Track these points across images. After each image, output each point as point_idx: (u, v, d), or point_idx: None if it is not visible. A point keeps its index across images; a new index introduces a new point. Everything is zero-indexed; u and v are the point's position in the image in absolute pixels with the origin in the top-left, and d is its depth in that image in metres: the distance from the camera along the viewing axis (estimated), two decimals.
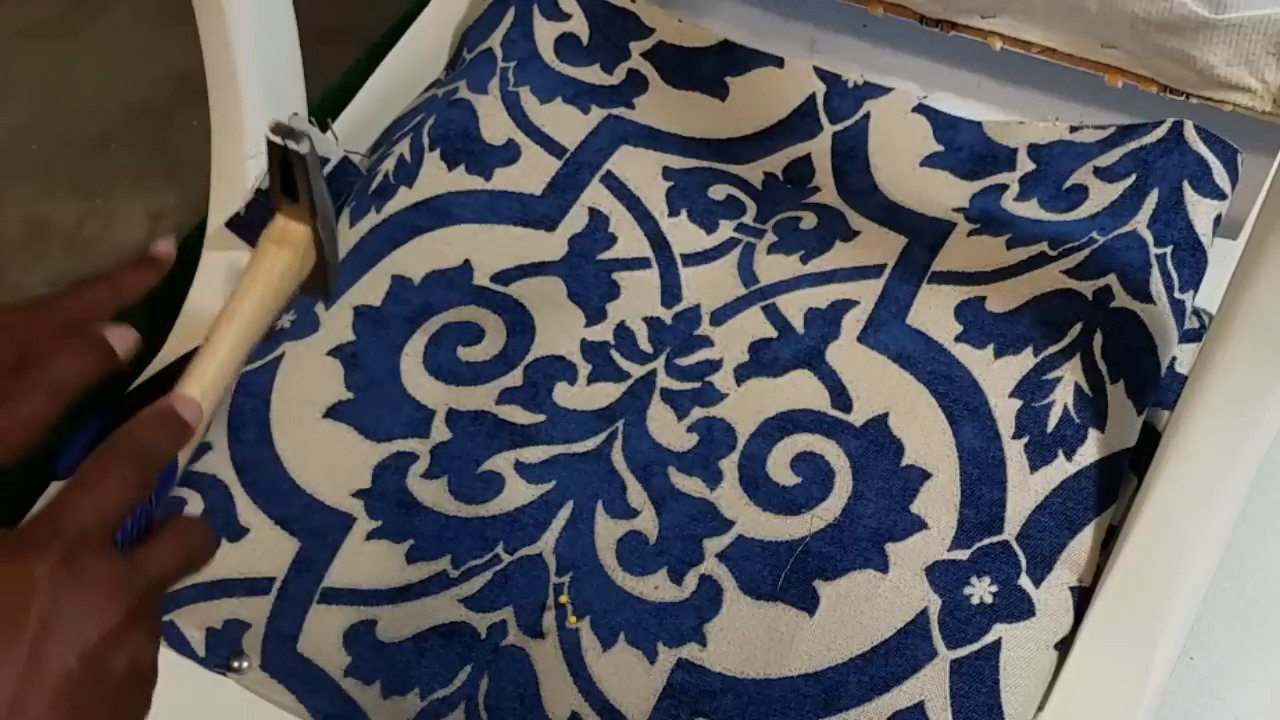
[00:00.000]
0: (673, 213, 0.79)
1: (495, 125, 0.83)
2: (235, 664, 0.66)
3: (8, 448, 0.56)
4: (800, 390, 0.70)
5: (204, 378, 0.56)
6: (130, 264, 0.66)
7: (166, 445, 0.51)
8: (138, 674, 0.44)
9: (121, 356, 0.58)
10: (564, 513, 0.68)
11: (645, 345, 0.74)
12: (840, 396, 0.69)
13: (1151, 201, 0.72)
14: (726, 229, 0.78)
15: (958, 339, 0.70)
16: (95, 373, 0.59)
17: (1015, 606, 0.62)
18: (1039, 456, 0.65)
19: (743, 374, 0.71)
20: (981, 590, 0.63)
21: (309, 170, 0.59)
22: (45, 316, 0.61)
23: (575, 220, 0.79)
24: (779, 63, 0.84)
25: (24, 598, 0.41)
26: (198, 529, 0.49)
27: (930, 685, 0.61)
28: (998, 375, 0.68)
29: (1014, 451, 0.66)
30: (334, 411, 0.72)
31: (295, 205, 0.61)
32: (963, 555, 0.64)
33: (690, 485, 0.68)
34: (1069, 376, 0.67)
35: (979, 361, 0.69)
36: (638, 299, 0.75)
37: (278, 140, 0.58)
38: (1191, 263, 0.71)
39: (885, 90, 0.82)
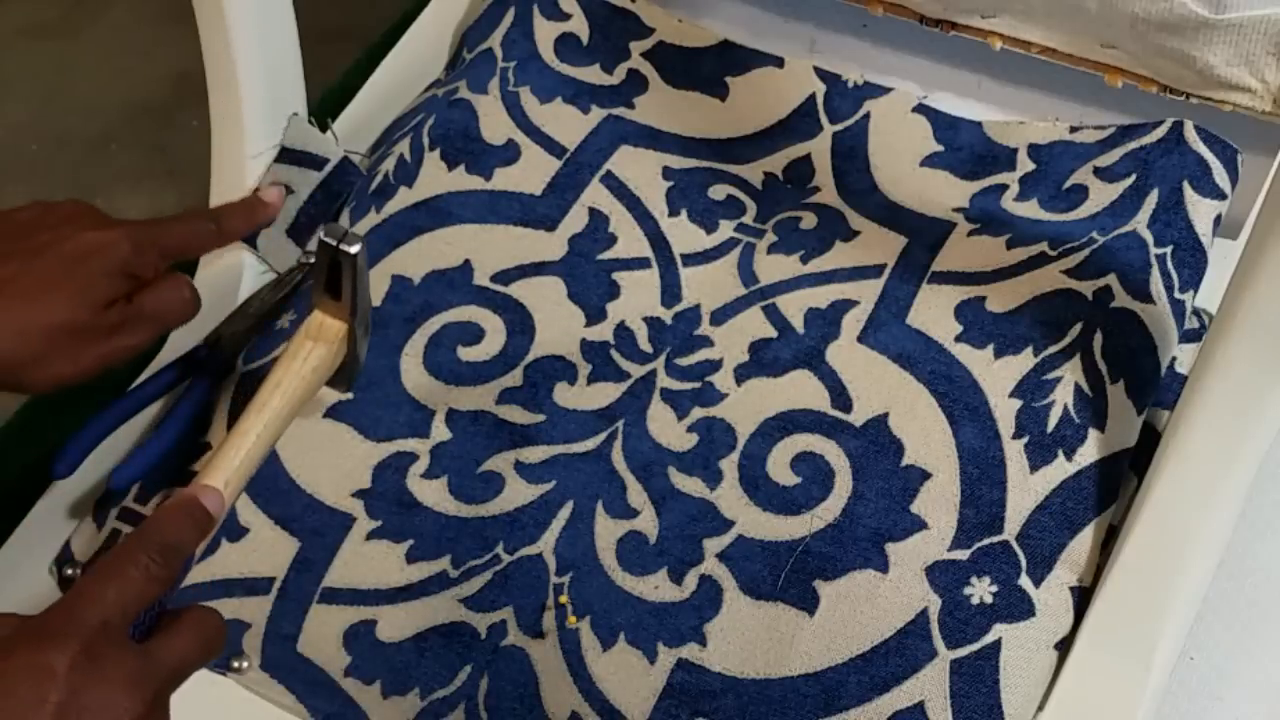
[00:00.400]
0: (673, 213, 0.79)
1: (495, 125, 0.83)
2: (235, 664, 0.66)
3: (96, 370, 0.57)
4: (800, 390, 0.70)
5: (229, 468, 0.56)
6: (235, 205, 0.67)
7: (190, 537, 0.51)
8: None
9: (216, 516, 0.56)
10: (564, 513, 0.68)
11: (645, 345, 0.74)
12: (840, 396, 0.69)
13: (1151, 201, 0.72)
14: (726, 229, 0.78)
15: (958, 339, 0.70)
16: (188, 317, 0.60)
17: (1015, 606, 0.62)
18: (1039, 456, 0.65)
19: (743, 374, 0.71)
20: (981, 590, 0.63)
21: (357, 273, 0.60)
22: (152, 241, 0.61)
23: (575, 220, 0.79)
24: (779, 63, 0.84)
25: (43, 689, 0.41)
26: (212, 619, 0.49)
27: (930, 685, 0.61)
28: (998, 375, 0.68)
29: (1014, 451, 0.66)
30: (334, 411, 0.72)
31: (336, 303, 0.62)
32: (963, 555, 0.64)
33: (690, 485, 0.68)
34: (1069, 376, 0.67)
35: (979, 361, 0.69)
36: (638, 299, 0.75)
37: (331, 242, 0.59)
38: (1191, 263, 0.71)
39: (885, 90, 0.82)
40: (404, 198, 0.80)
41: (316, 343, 0.62)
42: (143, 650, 0.44)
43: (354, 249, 0.59)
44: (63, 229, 0.58)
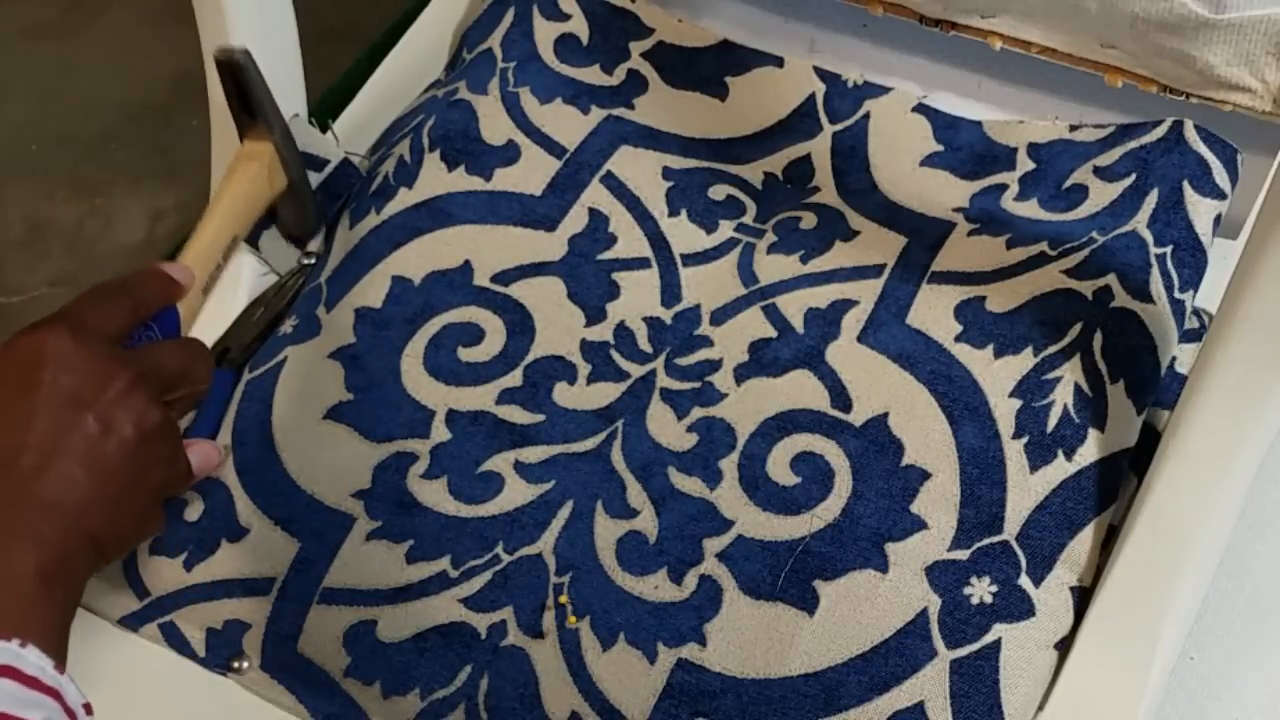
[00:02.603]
0: (673, 213, 0.79)
1: (495, 126, 0.83)
2: (235, 664, 0.66)
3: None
4: (800, 390, 0.70)
5: (193, 251, 0.67)
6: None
7: (154, 291, 0.60)
8: (145, 436, 0.51)
9: (197, 473, 0.64)
10: (564, 513, 0.68)
11: (645, 345, 0.74)
12: (840, 396, 0.69)
13: (1151, 201, 0.72)
14: (726, 229, 0.78)
15: (958, 339, 0.70)
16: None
17: (1015, 606, 0.62)
18: (1039, 456, 0.65)
19: (742, 374, 0.71)
20: (981, 590, 0.63)
21: (255, 81, 0.70)
22: (154, 369, 0.64)
23: (575, 220, 0.79)
24: (779, 63, 0.84)
25: (36, 363, 0.48)
26: (198, 347, 0.58)
27: (930, 685, 0.61)
28: (998, 375, 0.68)
29: (1014, 451, 0.66)
30: (334, 413, 0.72)
31: (256, 125, 0.72)
32: (963, 555, 0.64)
33: (690, 485, 0.68)
34: (1069, 376, 0.67)
35: (979, 361, 0.69)
36: (638, 299, 0.75)
37: (223, 57, 0.69)
38: (1191, 263, 0.71)
39: (885, 90, 0.82)
40: (404, 198, 0.80)
41: (249, 160, 0.72)
42: (126, 350, 0.53)
43: (242, 57, 0.69)
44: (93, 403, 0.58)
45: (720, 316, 0.74)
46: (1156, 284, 0.69)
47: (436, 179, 0.81)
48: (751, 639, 0.63)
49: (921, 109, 0.81)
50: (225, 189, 0.71)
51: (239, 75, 0.70)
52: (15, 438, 0.47)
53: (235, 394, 0.73)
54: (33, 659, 0.44)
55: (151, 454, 0.52)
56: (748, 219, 0.79)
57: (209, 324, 0.77)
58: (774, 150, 0.82)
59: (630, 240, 0.78)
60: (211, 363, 0.62)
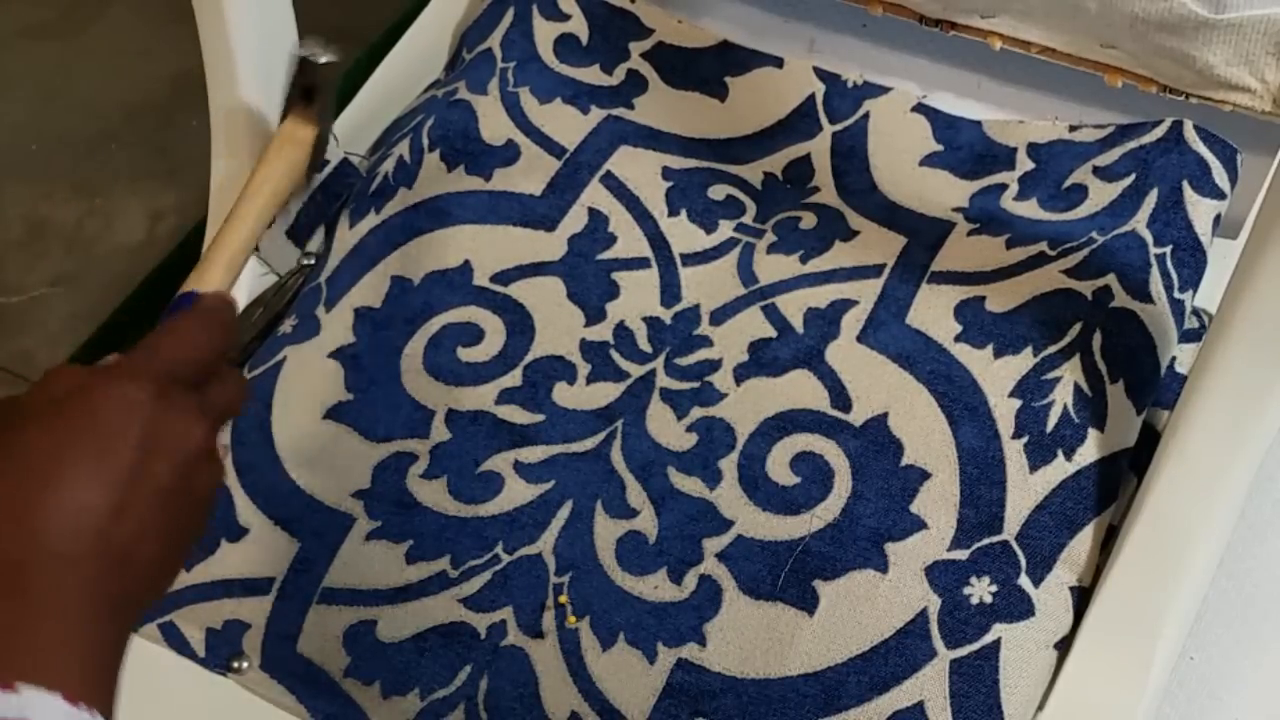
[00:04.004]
0: (672, 213, 0.79)
1: (495, 126, 0.83)
2: (235, 664, 0.66)
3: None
4: (800, 390, 0.70)
5: (227, 254, 0.65)
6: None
7: (220, 316, 0.58)
8: (213, 492, 0.51)
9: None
10: (563, 512, 0.68)
11: (645, 345, 0.74)
12: (840, 396, 0.69)
13: (1151, 201, 0.72)
14: (726, 229, 0.78)
15: (957, 339, 0.70)
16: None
17: (1015, 606, 0.62)
18: (1038, 456, 0.65)
19: (742, 374, 0.71)
20: (981, 590, 0.63)
21: (328, 81, 0.72)
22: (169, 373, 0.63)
23: (575, 220, 0.79)
24: (778, 63, 0.84)
25: (131, 417, 0.47)
26: (239, 376, 0.57)
27: (930, 685, 0.61)
28: (997, 375, 0.68)
29: (1013, 451, 0.66)
30: (334, 412, 0.72)
31: (307, 109, 0.72)
32: (962, 555, 0.64)
33: (690, 485, 0.68)
34: (1068, 376, 0.67)
35: (978, 361, 0.69)
36: (637, 299, 0.75)
37: (310, 56, 0.71)
38: (1191, 262, 0.71)
39: (885, 90, 0.82)
40: (404, 198, 0.80)
41: (294, 146, 0.71)
42: (199, 393, 0.52)
43: (326, 59, 0.70)
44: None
45: (720, 316, 0.74)
46: (1156, 284, 0.69)
47: (436, 179, 0.81)
48: (751, 639, 0.63)
49: (921, 109, 0.81)
50: (269, 168, 0.71)
51: (314, 74, 0.71)
52: (98, 494, 0.46)
53: None
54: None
55: (211, 503, 0.51)
56: (747, 219, 0.79)
57: None
58: (774, 150, 0.82)
59: (630, 240, 0.78)
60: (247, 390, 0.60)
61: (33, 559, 0.44)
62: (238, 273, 0.66)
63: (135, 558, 0.47)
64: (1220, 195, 0.73)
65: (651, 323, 0.74)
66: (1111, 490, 0.65)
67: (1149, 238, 0.71)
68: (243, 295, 0.79)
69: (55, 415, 0.48)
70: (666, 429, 0.70)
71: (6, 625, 0.44)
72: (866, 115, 0.81)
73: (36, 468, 0.46)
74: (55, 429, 0.47)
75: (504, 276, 0.77)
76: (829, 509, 0.66)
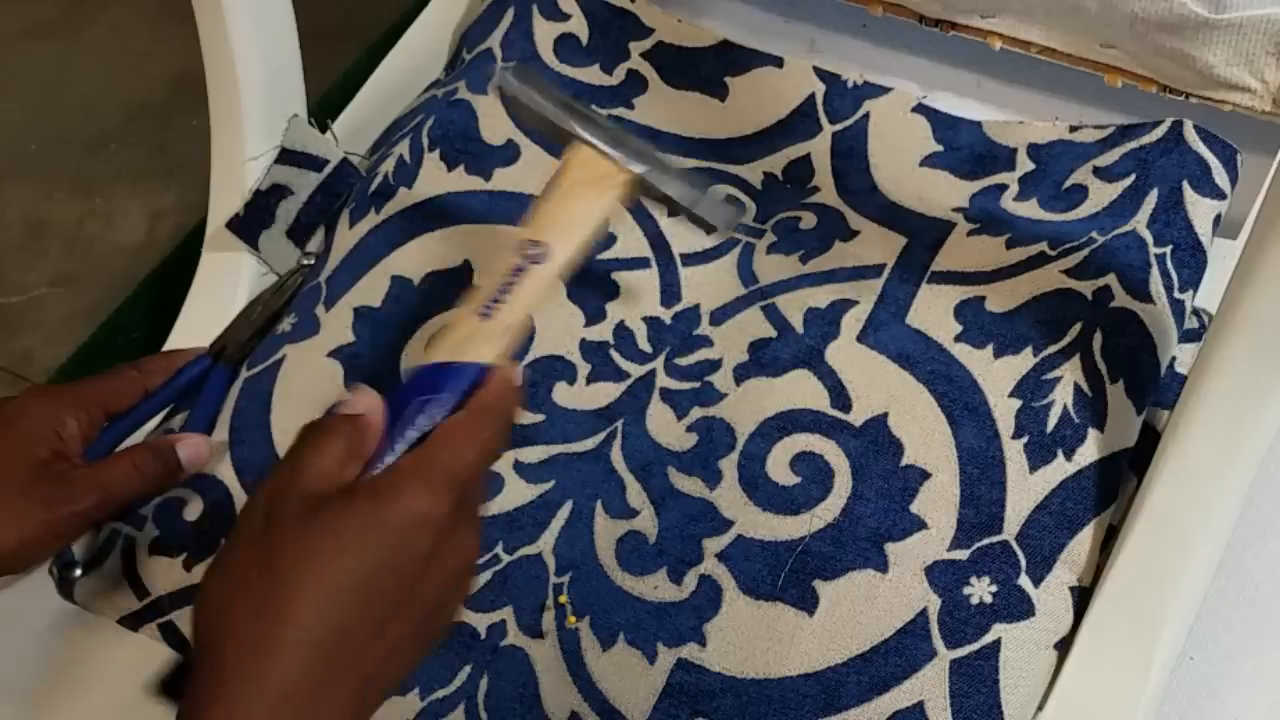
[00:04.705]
0: (672, 212, 0.79)
1: (495, 126, 0.83)
2: None
3: (42, 542, 0.59)
4: (800, 390, 0.70)
5: (518, 320, 0.57)
6: (158, 358, 0.70)
7: (510, 412, 0.55)
8: (462, 599, 0.50)
9: (187, 468, 0.65)
10: (563, 512, 0.68)
11: (645, 345, 0.74)
12: (840, 396, 0.69)
13: (1151, 201, 0.72)
14: None
15: (957, 339, 0.70)
16: (152, 485, 0.62)
17: (1015, 606, 0.62)
18: (1039, 456, 0.65)
19: (742, 374, 0.71)
20: (981, 590, 0.63)
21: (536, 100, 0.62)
22: (75, 401, 0.64)
23: None
24: (778, 62, 0.84)
25: (424, 536, 0.46)
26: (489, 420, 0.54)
27: (930, 685, 0.61)
28: (997, 375, 0.68)
29: (1013, 451, 0.66)
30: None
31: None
32: (962, 555, 0.64)
33: (690, 485, 0.68)
34: (1068, 376, 0.67)
35: (979, 361, 0.69)
36: (637, 299, 0.75)
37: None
38: (1191, 263, 0.71)
39: (885, 90, 0.82)
40: (404, 198, 0.80)
41: (588, 187, 0.59)
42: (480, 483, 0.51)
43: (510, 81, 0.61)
44: None
45: (720, 316, 0.74)
46: (1156, 284, 0.69)
47: (436, 179, 0.81)
48: (751, 639, 0.63)
49: (921, 109, 0.81)
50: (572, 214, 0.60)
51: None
52: (367, 609, 0.45)
53: (232, 391, 0.73)
54: None
55: (461, 584, 0.50)
56: (747, 219, 0.79)
57: (207, 324, 0.77)
58: (774, 150, 0.82)
59: (630, 240, 0.78)
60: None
61: (282, 650, 0.43)
62: (515, 342, 0.57)
63: (381, 672, 0.47)
64: (1220, 195, 0.73)
65: (651, 323, 0.74)
66: (1111, 490, 0.65)
67: (1149, 238, 0.71)
68: (243, 295, 0.79)
69: (357, 509, 0.46)
70: (666, 429, 0.70)
71: (230, 699, 0.43)
72: (866, 115, 0.81)
73: (322, 560, 0.44)
74: (351, 526, 0.45)
75: None
76: (829, 509, 0.66)
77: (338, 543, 0.45)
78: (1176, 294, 0.69)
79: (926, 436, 0.67)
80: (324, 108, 0.86)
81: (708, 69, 0.85)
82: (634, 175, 0.60)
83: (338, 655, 0.45)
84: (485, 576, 0.66)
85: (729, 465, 0.68)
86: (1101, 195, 0.74)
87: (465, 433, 0.51)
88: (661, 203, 0.61)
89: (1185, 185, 0.72)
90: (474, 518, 0.50)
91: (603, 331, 0.74)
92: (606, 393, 0.72)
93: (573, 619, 0.64)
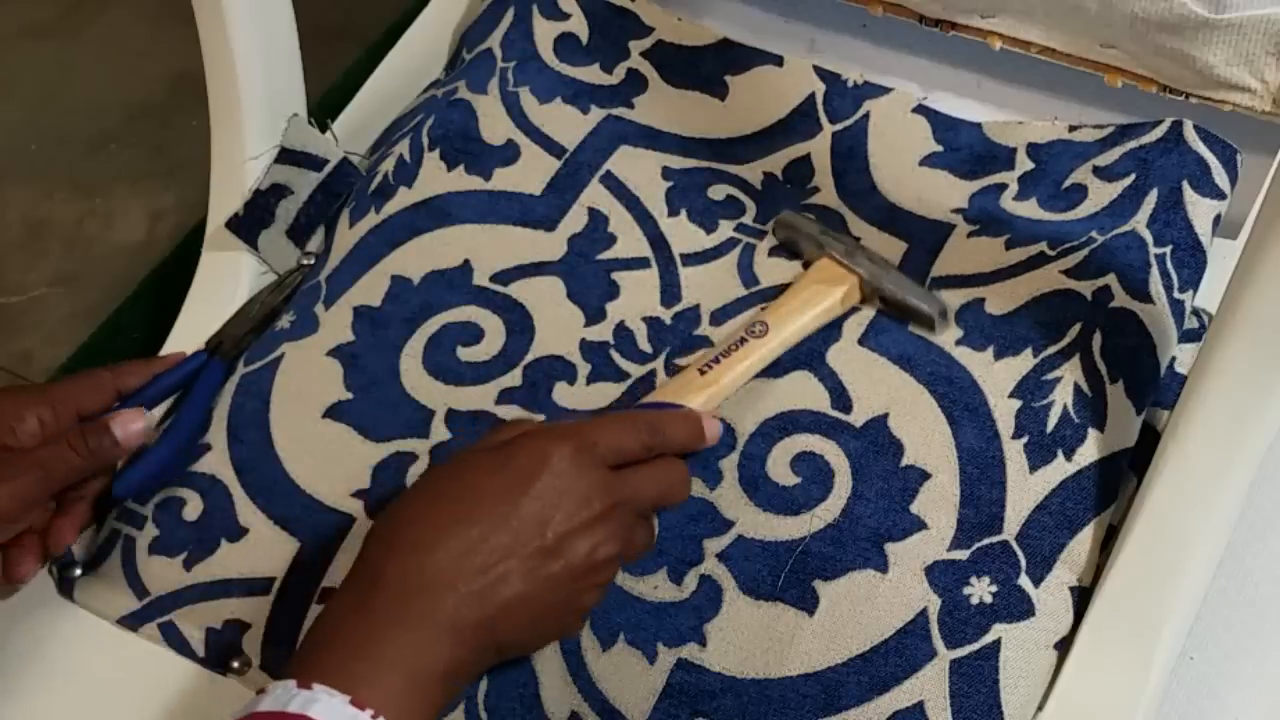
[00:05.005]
0: (672, 212, 0.79)
1: (495, 125, 0.83)
2: (235, 664, 0.66)
3: None
4: (800, 391, 0.70)
5: (723, 393, 0.68)
6: (137, 365, 0.71)
7: (681, 437, 0.62)
8: (593, 565, 0.54)
9: (124, 443, 0.66)
10: None
11: (645, 345, 0.74)
12: (840, 397, 0.69)
13: (1151, 201, 0.72)
14: (726, 229, 0.78)
15: (958, 343, 0.70)
16: (89, 462, 0.63)
17: (1015, 606, 0.62)
18: (1038, 456, 0.65)
19: None
20: (981, 590, 0.63)
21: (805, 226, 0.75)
22: (43, 399, 0.65)
23: (574, 220, 0.79)
24: (779, 62, 0.84)
25: (536, 466, 0.52)
26: (677, 468, 0.61)
27: (930, 685, 0.61)
28: (997, 376, 0.68)
29: (1013, 451, 0.66)
30: (333, 412, 0.72)
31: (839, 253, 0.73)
32: (962, 555, 0.64)
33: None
34: (1068, 377, 0.67)
35: (979, 362, 0.69)
36: (637, 299, 0.75)
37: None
38: (1191, 263, 0.71)
39: (885, 90, 0.82)
40: (403, 198, 0.80)
41: (820, 287, 0.71)
42: (613, 472, 0.56)
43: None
44: None
45: (720, 317, 0.74)
46: (1156, 284, 0.69)
47: (436, 178, 0.81)
48: (751, 639, 0.63)
49: (921, 109, 0.81)
50: (798, 313, 0.70)
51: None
52: (480, 533, 0.50)
53: (229, 388, 0.73)
54: None
55: (591, 580, 0.55)
56: (747, 219, 0.79)
57: (207, 324, 0.77)
58: (774, 150, 0.82)
59: (630, 240, 0.78)
60: (689, 485, 0.63)
61: (400, 583, 0.49)
62: (721, 396, 0.68)
63: (492, 602, 0.50)
64: (1220, 195, 0.73)
65: (652, 323, 0.74)
66: (1111, 490, 0.65)
67: (1149, 238, 0.71)
68: (242, 294, 0.79)
69: (481, 457, 0.53)
70: None
71: (346, 631, 0.48)
72: (866, 115, 0.81)
73: (447, 499, 0.51)
74: (474, 467, 0.52)
75: (504, 276, 0.77)
76: (829, 509, 0.66)
77: (463, 466, 0.54)
78: (1176, 294, 0.69)
79: (927, 437, 0.67)
80: (324, 108, 0.86)
81: (708, 68, 0.85)
82: (859, 275, 0.71)
83: (438, 565, 0.50)
84: None
85: (729, 465, 0.68)
86: (1101, 195, 0.74)
87: (607, 421, 0.58)
88: (884, 301, 0.71)
89: (1185, 185, 0.72)
90: (600, 478, 0.54)
91: (603, 332, 0.74)
92: (607, 393, 0.72)
93: None
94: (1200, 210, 0.72)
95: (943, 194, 0.78)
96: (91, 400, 0.68)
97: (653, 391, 0.69)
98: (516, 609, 0.52)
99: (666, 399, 0.67)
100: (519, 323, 0.75)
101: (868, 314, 0.72)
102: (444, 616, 0.49)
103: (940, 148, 0.80)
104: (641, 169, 0.81)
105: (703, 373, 0.68)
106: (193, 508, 0.69)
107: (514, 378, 0.72)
